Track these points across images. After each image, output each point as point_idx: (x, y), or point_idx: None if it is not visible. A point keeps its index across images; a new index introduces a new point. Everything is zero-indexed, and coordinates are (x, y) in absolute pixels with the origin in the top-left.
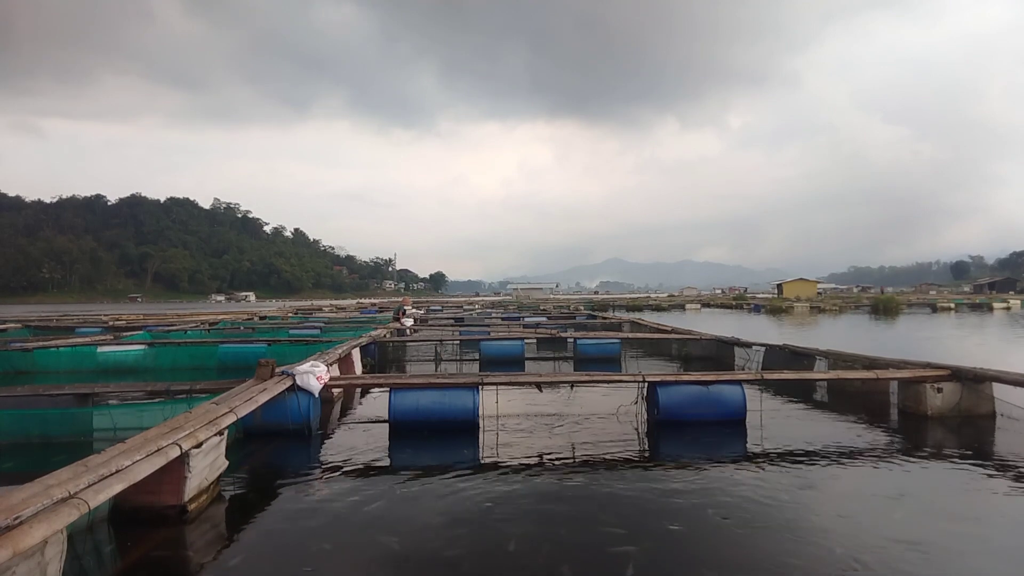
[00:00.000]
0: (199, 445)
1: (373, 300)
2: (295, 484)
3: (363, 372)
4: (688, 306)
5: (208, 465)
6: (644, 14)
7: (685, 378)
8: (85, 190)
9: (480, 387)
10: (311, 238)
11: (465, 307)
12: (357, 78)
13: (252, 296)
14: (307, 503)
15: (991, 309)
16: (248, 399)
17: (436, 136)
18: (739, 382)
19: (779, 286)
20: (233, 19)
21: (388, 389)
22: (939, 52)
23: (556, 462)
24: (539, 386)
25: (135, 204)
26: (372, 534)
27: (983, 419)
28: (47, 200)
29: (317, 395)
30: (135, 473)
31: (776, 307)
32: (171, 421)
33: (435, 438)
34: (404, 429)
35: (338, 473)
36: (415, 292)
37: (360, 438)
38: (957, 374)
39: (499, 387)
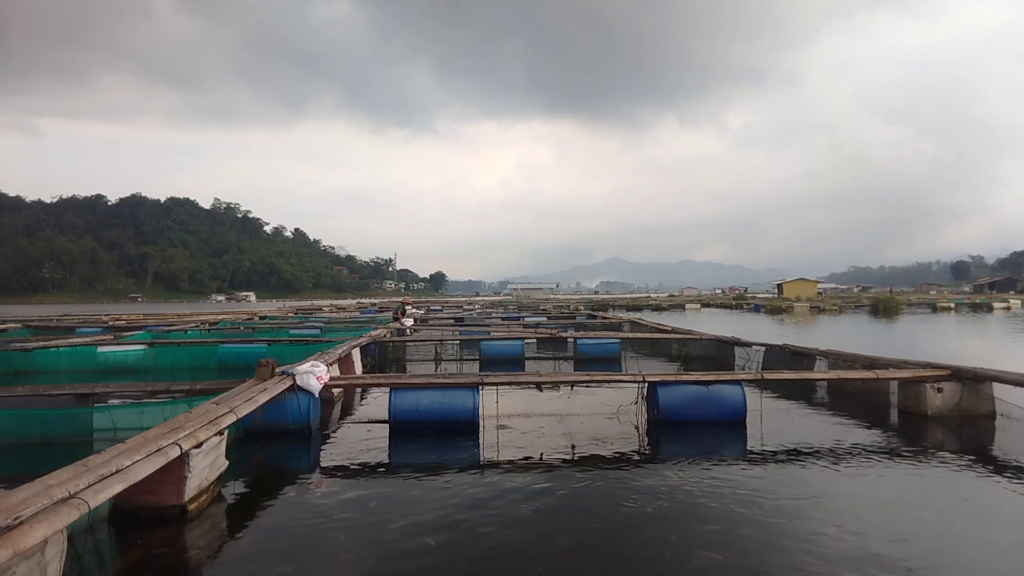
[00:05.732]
0: (199, 445)
1: (373, 300)
2: (295, 484)
3: (363, 372)
4: (688, 306)
5: (208, 465)
6: (644, 10)
7: (685, 378)
8: (84, 190)
9: (480, 387)
10: (311, 238)
11: (465, 307)
12: (352, 76)
13: (252, 296)
14: (307, 503)
15: (991, 309)
16: (248, 399)
17: (434, 135)
18: (739, 382)
19: (779, 286)
20: (227, 16)
21: (388, 389)
22: (939, 52)
23: (556, 462)
24: (539, 386)
25: (135, 204)
26: (372, 534)
27: (983, 419)
28: (47, 200)
29: (317, 395)
30: (135, 473)
31: (776, 307)
32: (171, 421)
33: (435, 438)
34: (404, 429)
35: (338, 473)
36: (415, 292)
37: (360, 438)
38: (957, 374)
39: (499, 387)
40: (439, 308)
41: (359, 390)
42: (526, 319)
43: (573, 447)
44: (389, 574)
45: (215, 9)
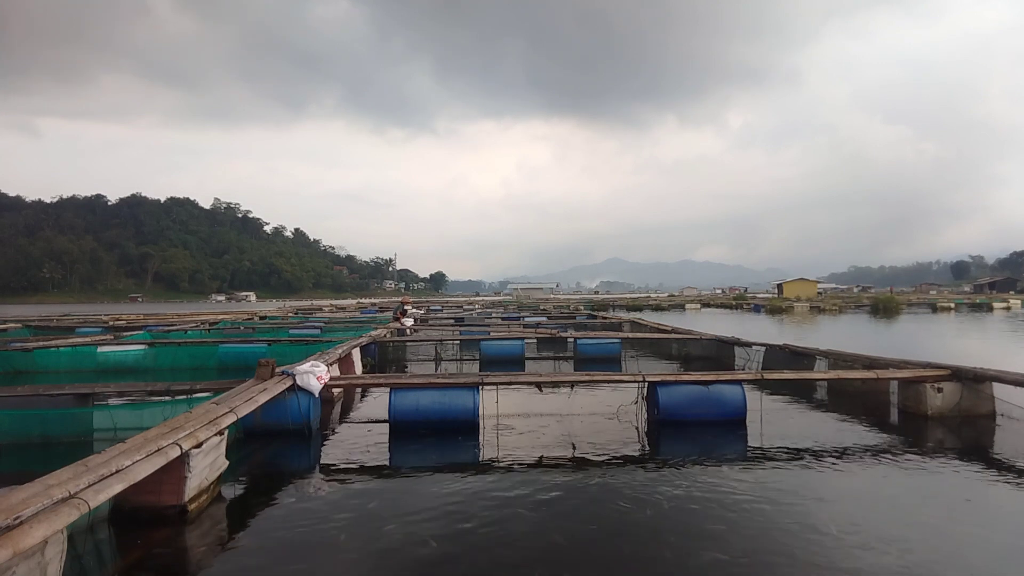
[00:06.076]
0: (199, 445)
1: (373, 300)
2: (295, 484)
3: (363, 372)
4: (688, 306)
5: (208, 465)
6: (644, 9)
7: (685, 378)
8: (84, 190)
9: (480, 387)
10: (311, 238)
11: (465, 307)
12: (352, 76)
13: (252, 296)
14: (307, 503)
15: (991, 309)
16: (248, 399)
17: (434, 135)
18: (739, 382)
19: (779, 286)
20: (226, 15)
21: (388, 389)
22: (939, 52)
23: (556, 462)
24: (539, 386)
25: (135, 204)
26: (372, 534)
27: (983, 419)
28: (47, 200)
29: (317, 395)
30: (135, 473)
31: (776, 307)
32: (171, 421)
33: (435, 438)
34: (404, 429)
35: (338, 473)
36: (415, 292)
37: (360, 438)
38: (957, 374)
39: (499, 387)
40: (439, 308)
41: (359, 390)
42: (526, 319)
43: (573, 447)
44: (389, 574)
45: (214, 8)
